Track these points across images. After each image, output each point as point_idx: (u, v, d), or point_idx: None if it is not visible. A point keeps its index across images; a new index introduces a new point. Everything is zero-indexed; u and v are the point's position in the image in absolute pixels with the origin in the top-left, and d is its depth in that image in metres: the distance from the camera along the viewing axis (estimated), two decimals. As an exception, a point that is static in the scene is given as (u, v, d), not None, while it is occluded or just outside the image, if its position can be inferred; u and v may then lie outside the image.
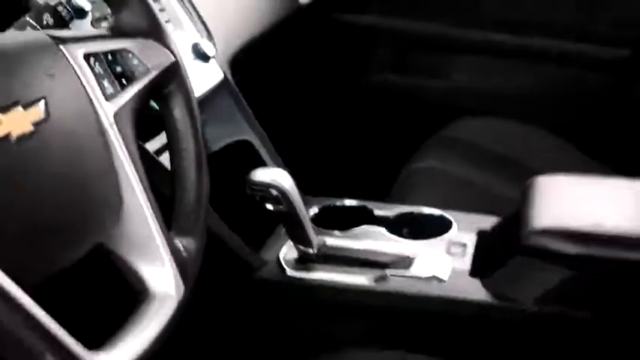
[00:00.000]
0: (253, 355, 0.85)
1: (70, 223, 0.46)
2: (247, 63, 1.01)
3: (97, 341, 0.46)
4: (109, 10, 0.74)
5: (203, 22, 0.95)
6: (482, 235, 0.86)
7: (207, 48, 0.87)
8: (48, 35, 0.49)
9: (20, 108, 0.42)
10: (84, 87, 0.48)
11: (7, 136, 0.41)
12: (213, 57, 0.88)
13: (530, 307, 0.73)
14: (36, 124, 0.43)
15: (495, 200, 1.08)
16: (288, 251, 0.86)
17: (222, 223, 0.82)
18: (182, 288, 0.52)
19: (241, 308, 0.85)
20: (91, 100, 0.49)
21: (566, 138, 1.28)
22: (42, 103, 0.44)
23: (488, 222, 0.88)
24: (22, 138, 0.42)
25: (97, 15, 0.74)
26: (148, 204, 0.51)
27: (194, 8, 0.95)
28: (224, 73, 0.91)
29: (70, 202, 0.46)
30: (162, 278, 0.51)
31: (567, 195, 0.77)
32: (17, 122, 0.42)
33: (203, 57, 0.86)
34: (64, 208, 0.46)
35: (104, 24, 0.75)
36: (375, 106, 1.48)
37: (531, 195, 0.78)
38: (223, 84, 0.91)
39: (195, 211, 0.57)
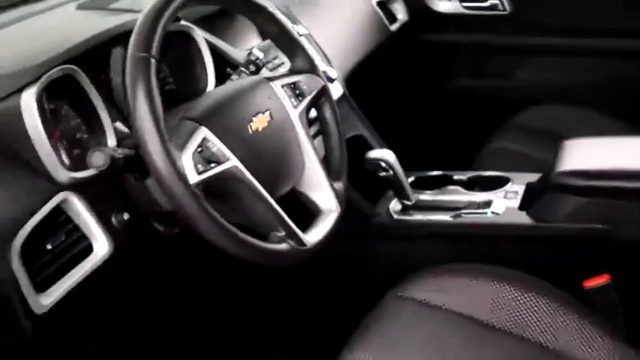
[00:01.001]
0: (373, 274, 1.26)
1: (283, 171, 0.90)
2: (357, 80, 1.43)
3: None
4: (270, 57, 1.20)
5: (325, 55, 1.39)
6: (529, 185, 1.23)
7: (332, 73, 1.30)
8: (264, 77, 0.93)
9: (261, 114, 0.87)
10: (283, 102, 0.92)
11: (257, 129, 0.86)
12: (336, 78, 1.31)
13: (557, 225, 1.10)
14: (268, 122, 0.87)
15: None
16: (394, 205, 1.28)
17: (351, 187, 1.24)
18: (339, 208, 0.94)
19: (363, 242, 1.27)
20: (287, 108, 0.93)
21: (617, 116, 1.58)
22: (268, 111, 0.88)
23: (535, 177, 1.25)
24: (264, 129, 0.86)
25: (265, 60, 1.19)
26: (318, 163, 0.94)
27: (318, 45, 1.39)
28: (343, 89, 1.34)
29: (282, 160, 0.90)
30: (327, 202, 0.94)
31: (583, 150, 1.13)
32: (261, 121, 0.86)
33: (329, 79, 1.29)
34: (281, 163, 0.90)
35: (270, 65, 1.20)
36: (457, 105, 1.86)
37: (560, 152, 1.15)
38: (343, 97, 1.33)
39: (341, 167, 0.99)
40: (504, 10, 1.71)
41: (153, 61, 0.74)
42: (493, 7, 1.73)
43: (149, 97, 0.72)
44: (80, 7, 1.21)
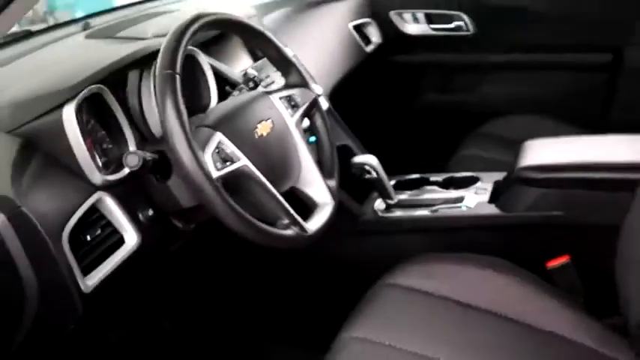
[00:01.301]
0: (363, 267, 1.40)
1: (284, 171, 1.04)
2: (339, 96, 1.59)
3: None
4: (263, 76, 1.34)
5: (309, 74, 1.54)
6: (497, 182, 1.39)
7: (317, 89, 1.44)
8: (264, 91, 1.08)
9: (264, 122, 1.01)
10: (282, 112, 1.07)
11: (262, 134, 1.00)
12: (321, 94, 1.46)
13: (521, 213, 1.26)
14: (270, 128, 1.02)
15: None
16: (378, 204, 1.42)
17: (340, 189, 1.38)
18: (333, 201, 1.08)
19: (352, 238, 1.41)
20: (285, 117, 1.07)
21: (571, 122, 1.77)
22: (270, 119, 1.03)
23: (501, 176, 1.41)
24: (268, 134, 1.01)
25: (261, 77, 1.34)
26: (313, 164, 1.09)
27: (303, 66, 1.54)
28: (328, 104, 1.49)
29: (283, 161, 1.04)
30: (323, 197, 1.08)
31: (541, 148, 1.30)
32: (265, 128, 1.01)
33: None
34: (282, 164, 1.04)
35: (264, 83, 1.34)
36: (429, 117, 2.03)
37: (521, 151, 1.32)
38: (328, 110, 1.48)
39: (333, 168, 1.14)
40: (468, 30, 1.89)
41: (177, 77, 0.88)
42: (458, 28, 1.91)
43: (176, 106, 0.86)
44: (89, 36, 1.35)
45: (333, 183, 1.12)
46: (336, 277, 1.45)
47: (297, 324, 1.50)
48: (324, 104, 1.47)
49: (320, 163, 1.14)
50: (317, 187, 1.08)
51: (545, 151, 1.29)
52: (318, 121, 1.16)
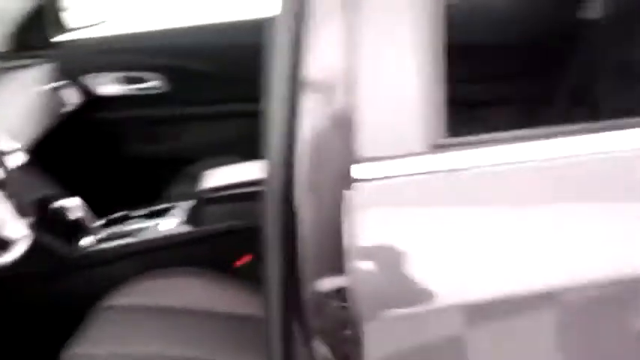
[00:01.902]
0: (83, 300, 1.49)
1: None
2: (44, 150, 1.69)
3: None
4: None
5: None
6: (191, 207, 1.63)
7: (6, 146, 1.53)
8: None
9: None
10: None
11: None
12: (13, 150, 1.54)
13: (207, 227, 1.52)
14: None
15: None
16: (87, 241, 1.57)
17: (48, 234, 1.47)
18: (28, 236, 1.21)
19: (65, 273, 1.53)
20: None
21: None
22: None
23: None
24: None
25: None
26: (4, 207, 1.20)
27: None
28: (27, 157, 1.59)
29: None
30: (17, 233, 1.20)
31: (216, 175, 1.59)
32: None
33: (5, 152, 1.53)
34: None
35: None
36: (138, 165, 2.21)
37: (201, 179, 1.59)
38: (29, 163, 1.58)
39: (26, 208, 1.27)
40: (162, 88, 2.14)
41: None
42: (153, 87, 2.14)
43: None
44: None
45: (26, 221, 1.25)
46: (58, 313, 1.54)
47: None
48: (21, 158, 1.58)
49: (16, 205, 1.26)
50: (10, 226, 1.21)
51: (219, 177, 1.58)
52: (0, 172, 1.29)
